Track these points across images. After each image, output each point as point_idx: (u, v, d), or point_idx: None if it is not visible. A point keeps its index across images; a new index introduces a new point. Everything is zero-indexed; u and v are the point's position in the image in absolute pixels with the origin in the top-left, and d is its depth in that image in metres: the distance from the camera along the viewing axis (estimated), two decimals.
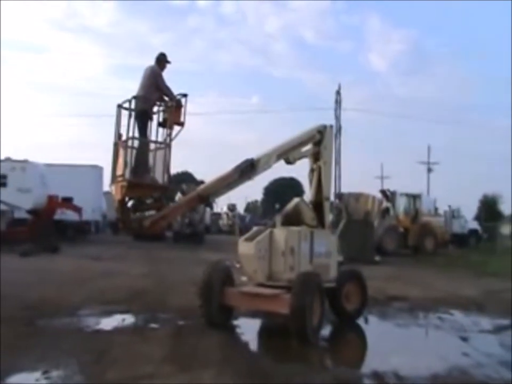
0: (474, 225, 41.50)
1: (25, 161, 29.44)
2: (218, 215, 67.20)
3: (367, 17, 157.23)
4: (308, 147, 10.06)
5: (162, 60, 10.80)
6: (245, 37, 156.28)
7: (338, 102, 48.18)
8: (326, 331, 9.67)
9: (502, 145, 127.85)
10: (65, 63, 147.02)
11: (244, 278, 9.43)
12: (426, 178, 68.05)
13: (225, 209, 67.55)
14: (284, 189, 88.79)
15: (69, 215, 30.53)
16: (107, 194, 53.62)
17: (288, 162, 9.64)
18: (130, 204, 10.25)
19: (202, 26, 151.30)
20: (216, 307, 9.13)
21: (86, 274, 15.72)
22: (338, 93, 48.44)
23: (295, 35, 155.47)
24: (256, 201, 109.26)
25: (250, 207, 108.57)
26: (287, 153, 9.53)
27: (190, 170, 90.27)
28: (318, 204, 10.04)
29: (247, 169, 8.82)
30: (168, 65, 10.79)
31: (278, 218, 9.66)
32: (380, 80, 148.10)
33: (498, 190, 62.42)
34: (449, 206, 39.73)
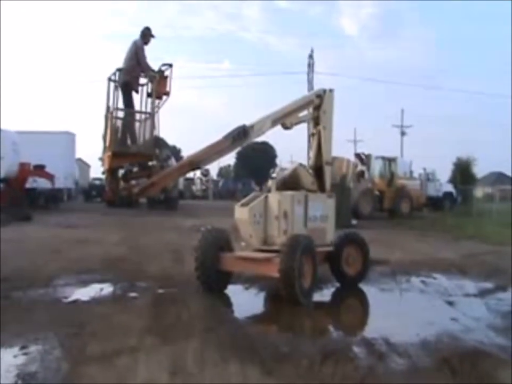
0: (449, 188, 41.52)
1: None
2: (191, 180, 66.90)
3: None
4: (307, 112, 10.08)
5: (146, 34, 10.98)
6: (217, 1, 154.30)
7: (310, 66, 47.98)
8: (326, 297, 9.70)
9: (475, 108, 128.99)
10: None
11: (243, 244, 9.41)
12: (400, 142, 68.36)
13: (198, 174, 67.13)
14: (257, 153, 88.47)
15: (41, 182, 30.12)
16: (79, 161, 53.25)
17: (286, 127, 9.60)
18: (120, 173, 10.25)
19: None
20: (213, 272, 9.04)
21: (60, 243, 15.37)
22: (310, 56, 48.27)
23: None
24: (228, 166, 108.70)
25: (223, 172, 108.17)
26: (283, 119, 9.48)
27: (162, 135, 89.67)
28: (318, 168, 10.00)
29: (240, 136, 8.79)
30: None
31: (273, 183, 9.57)
32: (352, 44, 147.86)
33: (471, 153, 62.57)
34: (424, 169, 39.67)
